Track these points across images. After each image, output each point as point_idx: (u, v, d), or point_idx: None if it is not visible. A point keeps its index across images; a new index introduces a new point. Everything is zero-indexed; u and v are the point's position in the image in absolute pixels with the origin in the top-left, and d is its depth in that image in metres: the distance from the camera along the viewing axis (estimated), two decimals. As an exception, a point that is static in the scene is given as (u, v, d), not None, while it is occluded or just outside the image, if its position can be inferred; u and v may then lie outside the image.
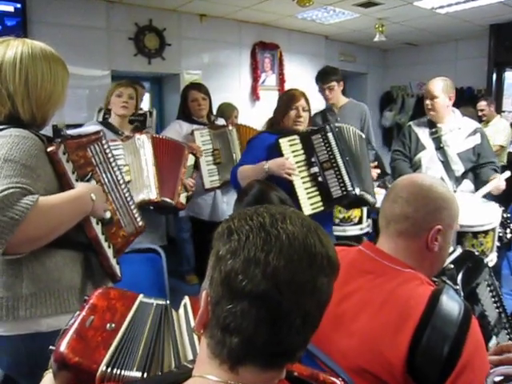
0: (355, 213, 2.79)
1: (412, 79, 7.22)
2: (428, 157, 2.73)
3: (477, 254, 1.51)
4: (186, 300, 1.08)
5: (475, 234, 2.14)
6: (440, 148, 2.70)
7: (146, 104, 5.17)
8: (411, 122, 2.91)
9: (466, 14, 5.15)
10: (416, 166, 2.78)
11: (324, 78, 3.31)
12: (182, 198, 2.59)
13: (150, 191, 2.40)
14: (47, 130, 1.39)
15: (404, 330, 0.96)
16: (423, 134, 2.78)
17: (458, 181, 2.68)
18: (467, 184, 2.68)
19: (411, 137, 2.83)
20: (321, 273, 0.65)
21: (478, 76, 6.07)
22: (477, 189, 2.64)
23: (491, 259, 2.22)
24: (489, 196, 2.60)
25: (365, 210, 2.83)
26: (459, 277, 1.36)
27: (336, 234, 2.78)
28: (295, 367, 0.78)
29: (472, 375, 0.92)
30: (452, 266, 1.33)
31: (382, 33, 5.59)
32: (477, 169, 2.69)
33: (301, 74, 6.17)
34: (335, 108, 3.35)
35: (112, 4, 4.49)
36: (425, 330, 0.94)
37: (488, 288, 1.41)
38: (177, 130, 3.19)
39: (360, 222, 2.81)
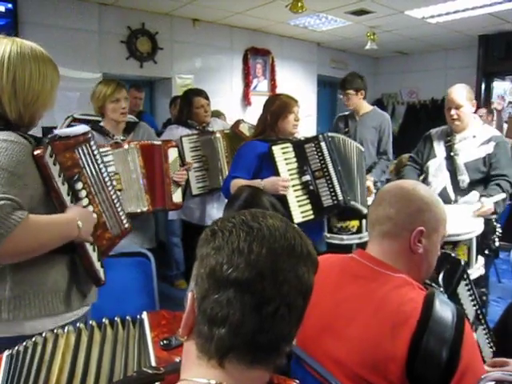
0: (352, 223, 2.80)
1: (402, 87, 7.31)
2: (436, 165, 2.67)
3: (453, 255, 1.53)
4: (144, 315, 1.11)
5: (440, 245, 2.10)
6: (450, 157, 2.61)
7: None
8: (432, 130, 2.83)
9: (456, 24, 5.24)
10: (425, 174, 2.73)
11: (342, 85, 3.35)
12: (176, 198, 2.55)
13: (141, 204, 2.40)
14: (35, 132, 1.37)
15: (401, 335, 0.97)
16: (439, 142, 2.71)
17: (462, 191, 2.56)
18: (475, 195, 2.51)
19: (426, 145, 2.78)
20: (301, 262, 0.68)
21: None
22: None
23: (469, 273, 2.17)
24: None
25: (364, 219, 2.84)
26: (440, 279, 1.38)
27: (333, 242, 2.77)
28: (276, 378, 0.78)
29: (474, 378, 0.94)
30: None
31: (374, 41, 5.65)
32: (487, 181, 2.54)
33: (292, 80, 6.21)
34: (356, 114, 3.35)
35: (105, 7, 4.48)
36: (423, 335, 0.95)
37: (466, 287, 1.45)
38: (173, 134, 3.17)
39: (359, 231, 2.81)
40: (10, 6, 3.80)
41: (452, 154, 2.61)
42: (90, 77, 4.44)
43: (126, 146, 2.38)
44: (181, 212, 3.35)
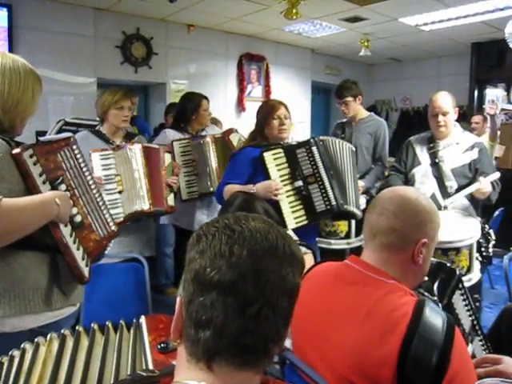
0: (341, 227, 2.80)
1: (396, 94, 7.36)
2: (422, 172, 2.68)
3: (448, 265, 1.53)
4: (142, 319, 1.12)
5: (445, 251, 2.09)
6: (435, 163, 2.63)
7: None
8: (411, 138, 2.85)
9: (449, 31, 5.29)
10: (411, 182, 2.72)
11: (339, 94, 3.30)
12: (170, 201, 2.60)
13: (143, 202, 2.43)
14: (28, 135, 1.41)
15: (391, 340, 0.97)
16: (421, 149, 2.73)
17: (450, 197, 2.57)
18: (462, 200, 2.55)
19: (408, 152, 2.78)
20: (285, 263, 0.68)
21: (460, 92, 6.19)
22: (474, 206, 2.53)
23: (469, 279, 2.15)
24: (476, 211, 2.53)
25: (353, 224, 2.83)
26: (435, 288, 1.38)
27: (321, 246, 2.78)
28: (272, 382, 0.77)
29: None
30: (426, 278, 1.35)
31: (367, 47, 5.69)
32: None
33: (287, 87, 6.24)
34: (353, 121, 3.32)
35: (100, 11, 4.48)
36: (412, 340, 0.95)
37: (461, 297, 1.44)
38: (167, 138, 3.16)
39: (348, 236, 2.81)
40: (4, 10, 3.79)
41: (437, 160, 2.63)
42: (85, 81, 4.44)
43: (129, 146, 2.45)
44: (172, 217, 3.34)
